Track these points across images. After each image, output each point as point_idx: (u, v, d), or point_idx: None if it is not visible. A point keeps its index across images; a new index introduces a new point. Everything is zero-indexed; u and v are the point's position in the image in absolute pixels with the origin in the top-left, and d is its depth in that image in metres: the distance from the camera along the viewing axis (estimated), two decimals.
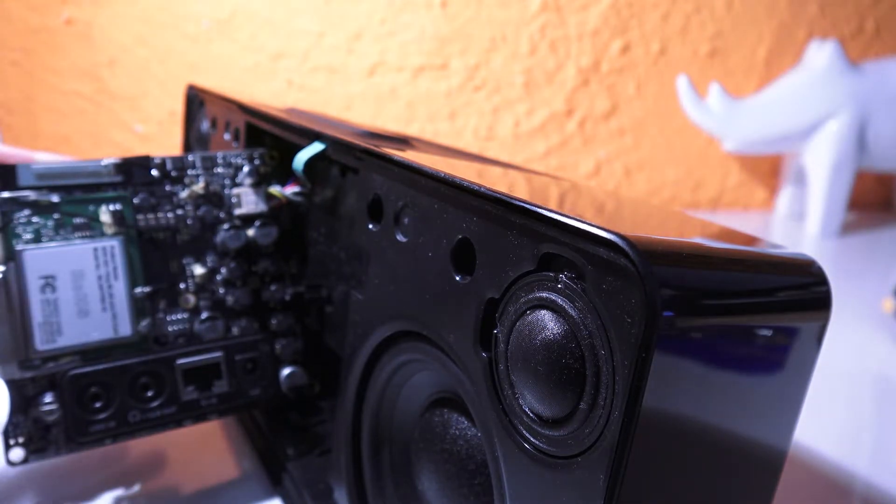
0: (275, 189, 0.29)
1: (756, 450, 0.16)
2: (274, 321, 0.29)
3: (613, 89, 0.83)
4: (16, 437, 0.25)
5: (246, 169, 0.29)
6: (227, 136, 0.35)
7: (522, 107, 0.81)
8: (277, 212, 0.29)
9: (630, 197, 0.24)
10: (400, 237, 0.21)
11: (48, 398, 0.25)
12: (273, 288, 0.29)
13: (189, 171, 0.28)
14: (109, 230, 0.26)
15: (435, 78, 0.78)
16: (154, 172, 0.27)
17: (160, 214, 0.27)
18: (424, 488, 0.22)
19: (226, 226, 0.28)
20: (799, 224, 0.84)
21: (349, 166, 0.25)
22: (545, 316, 0.15)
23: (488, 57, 0.79)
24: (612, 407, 0.13)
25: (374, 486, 0.24)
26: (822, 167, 0.76)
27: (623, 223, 0.19)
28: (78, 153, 0.71)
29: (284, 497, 0.28)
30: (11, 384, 0.25)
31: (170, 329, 0.27)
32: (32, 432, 0.25)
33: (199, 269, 0.28)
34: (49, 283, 0.24)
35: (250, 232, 0.28)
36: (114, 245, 0.26)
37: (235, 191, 0.28)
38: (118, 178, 0.26)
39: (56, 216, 0.25)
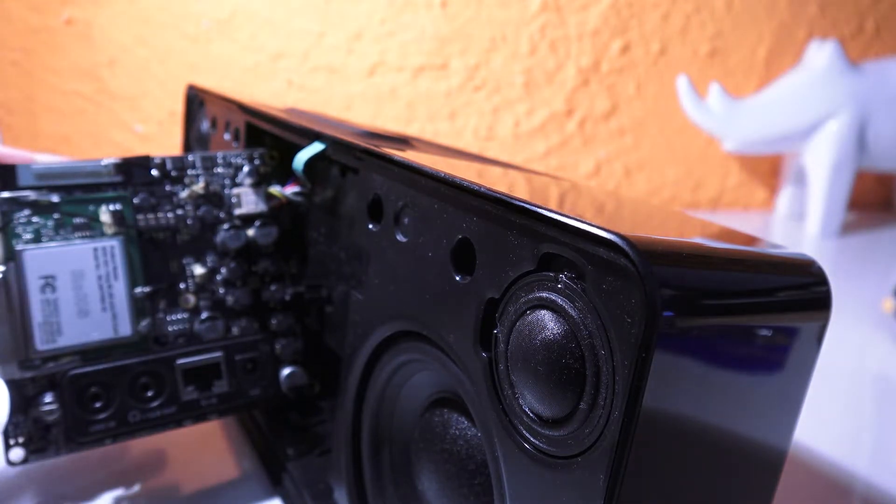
0: (275, 189, 0.29)
1: (756, 450, 0.16)
2: (274, 321, 0.29)
3: (613, 89, 0.83)
4: (16, 436, 0.25)
5: (246, 169, 0.29)
6: (227, 136, 0.35)
7: (522, 107, 0.81)
8: (277, 212, 0.29)
9: (630, 197, 0.24)
10: (400, 237, 0.21)
11: (48, 398, 0.25)
12: (273, 288, 0.29)
13: (189, 171, 0.28)
14: (109, 230, 0.26)
15: (435, 78, 0.78)
16: (154, 172, 0.27)
17: (160, 214, 0.27)
18: (424, 488, 0.22)
19: (226, 226, 0.28)
20: (799, 224, 0.84)
21: (349, 166, 0.25)
22: (545, 316, 0.15)
23: (488, 57, 0.79)
24: (612, 407, 0.13)
25: (374, 486, 0.24)
26: (822, 167, 0.76)
27: (623, 223, 0.19)
28: (78, 153, 0.71)
29: (284, 497, 0.28)
30: (11, 384, 0.25)
31: (170, 329, 0.27)
32: (32, 432, 0.25)
33: (199, 269, 0.28)
34: (49, 283, 0.24)
35: (250, 232, 0.28)
36: (114, 245, 0.26)
37: (235, 191, 0.28)
38: (118, 178, 0.26)
39: (56, 216, 0.25)
